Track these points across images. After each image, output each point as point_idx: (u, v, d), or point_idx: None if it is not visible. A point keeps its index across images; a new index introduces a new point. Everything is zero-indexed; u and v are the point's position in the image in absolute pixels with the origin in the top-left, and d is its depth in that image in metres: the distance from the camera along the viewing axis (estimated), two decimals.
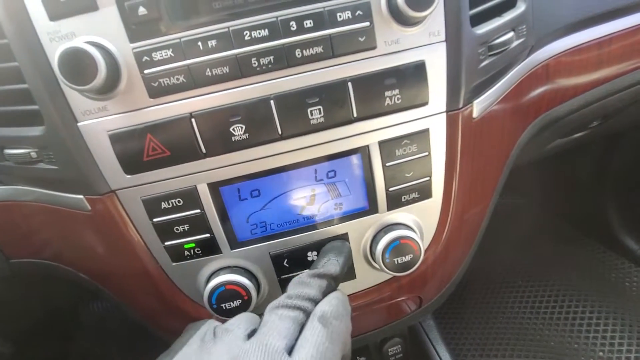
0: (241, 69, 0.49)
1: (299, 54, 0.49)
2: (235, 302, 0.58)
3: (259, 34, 0.48)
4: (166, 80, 0.48)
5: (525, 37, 0.63)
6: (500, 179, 0.72)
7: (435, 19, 0.51)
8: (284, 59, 0.49)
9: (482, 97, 0.60)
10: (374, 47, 0.51)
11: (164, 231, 0.56)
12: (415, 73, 0.53)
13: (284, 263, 0.61)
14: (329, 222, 0.61)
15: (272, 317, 0.44)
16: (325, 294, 0.49)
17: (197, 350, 0.44)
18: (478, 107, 0.60)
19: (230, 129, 0.51)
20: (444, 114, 0.57)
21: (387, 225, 0.61)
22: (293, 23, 0.48)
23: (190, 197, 0.55)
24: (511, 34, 0.60)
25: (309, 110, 0.52)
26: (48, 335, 1.26)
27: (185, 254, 0.58)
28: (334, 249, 0.59)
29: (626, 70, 0.73)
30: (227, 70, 0.49)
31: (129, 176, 0.53)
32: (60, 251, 0.65)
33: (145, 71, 0.48)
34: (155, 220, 0.55)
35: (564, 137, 0.98)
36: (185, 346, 0.45)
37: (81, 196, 0.55)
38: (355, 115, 0.53)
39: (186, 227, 0.56)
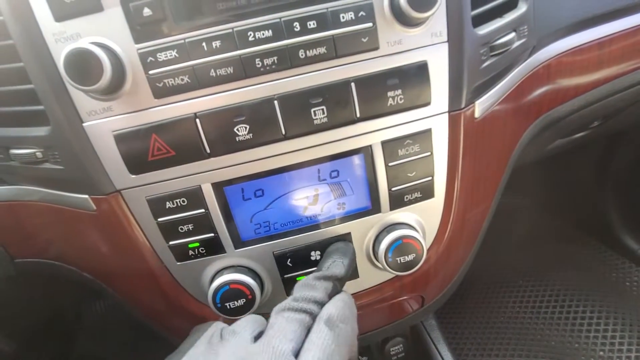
0: (245, 70, 0.49)
1: (302, 55, 0.49)
2: (239, 301, 0.58)
3: (263, 34, 0.48)
4: (171, 80, 0.48)
5: (527, 38, 0.64)
6: (501, 179, 0.72)
7: (437, 19, 0.52)
8: (288, 60, 0.49)
9: (483, 98, 0.61)
10: (376, 48, 0.51)
11: (169, 231, 0.57)
12: (417, 73, 0.53)
13: (288, 262, 0.62)
14: (331, 222, 0.61)
15: (279, 320, 0.44)
16: (330, 296, 0.49)
17: (204, 351, 0.44)
18: (480, 107, 0.60)
19: (235, 129, 0.51)
20: (446, 114, 0.57)
21: (390, 225, 0.61)
22: (296, 24, 0.48)
23: (194, 197, 0.55)
24: (513, 34, 0.60)
25: (312, 110, 0.52)
26: (50, 335, 1.26)
27: (190, 254, 0.58)
28: (338, 251, 0.59)
29: (626, 71, 0.74)
30: (231, 71, 0.49)
31: (133, 176, 0.53)
32: (64, 251, 0.66)
33: (150, 72, 0.48)
34: (159, 219, 0.56)
35: (565, 137, 0.99)
36: (193, 348, 0.45)
37: (86, 196, 0.56)
38: (358, 115, 0.53)
39: (190, 226, 0.56)
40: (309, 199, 0.59)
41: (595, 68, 0.72)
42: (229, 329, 0.46)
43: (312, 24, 0.49)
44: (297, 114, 0.52)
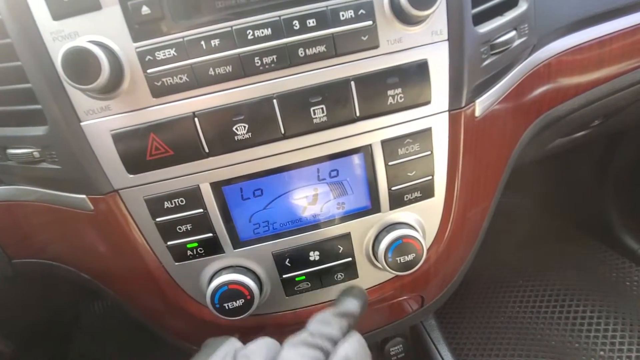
0: (244, 68, 0.49)
1: (301, 53, 0.49)
2: (237, 301, 0.58)
3: (262, 33, 0.48)
4: (169, 79, 0.48)
5: (527, 36, 0.63)
6: (502, 178, 0.72)
7: (437, 18, 0.51)
8: (287, 58, 0.49)
9: (484, 96, 0.60)
10: (376, 46, 0.51)
11: (167, 231, 0.56)
12: (417, 72, 0.53)
13: (286, 262, 0.61)
14: (331, 222, 0.61)
15: (292, 354, 0.44)
16: (344, 334, 0.50)
17: None
18: (480, 106, 0.60)
19: (233, 128, 0.51)
20: (446, 113, 0.57)
21: (390, 225, 0.61)
22: (296, 22, 0.48)
23: (193, 197, 0.55)
24: (513, 33, 0.60)
25: (311, 109, 0.52)
26: (48, 335, 1.26)
27: (188, 254, 0.58)
28: (352, 292, 0.60)
29: (627, 70, 0.73)
30: (230, 70, 0.49)
31: (131, 176, 0.53)
32: (62, 251, 0.65)
33: (149, 70, 0.48)
34: (158, 219, 0.55)
35: (565, 136, 0.98)
36: None
37: (84, 196, 0.55)
38: (357, 114, 0.53)
39: (189, 226, 0.56)
40: (308, 199, 0.59)
41: (595, 67, 0.72)
42: (243, 352, 0.46)
43: (311, 22, 0.48)
44: (296, 113, 0.52)
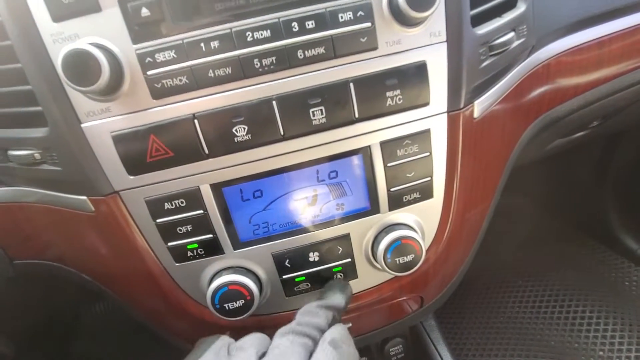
0: (243, 70, 0.49)
1: (301, 55, 0.49)
2: (238, 302, 0.58)
3: (261, 35, 0.48)
4: (169, 81, 0.48)
5: (526, 37, 0.63)
6: (501, 179, 0.72)
7: (436, 19, 0.52)
8: (286, 60, 0.49)
9: (482, 97, 0.60)
10: (375, 48, 0.51)
11: (167, 232, 0.57)
12: (416, 73, 0.53)
13: (286, 263, 0.61)
14: (330, 223, 0.61)
15: (283, 341, 0.46)
16: (330, 325, 0.51)
17: None
18: (479, 107, 0.60)
19: (233, 130, 0.51)
20: (445, 115, 0.57)
21: (389, 226, 0.61)
22: (295, 24, 0.48)
23: (193, 198, 0.55)
24: (512, 34, 0.60)
25: (311, 111, 0.52)
26: (49, 336, 1.26)
27: (188, 255, 0.58)
28: (337, 285, 0.61)
29: (626, 70, 0.74)
30: (230, 71, 0.49)
31: (132, 177, 0.53)
32: (63, 252, 0.65)
33: (148, 72, 0.48)
34: (158, 221, 0.56)
35: (565, 137, 0.98)
36: (201, 359, 0.46)
37: (84, 197, 0.56)
38: (357, 115, 0.53)
39: (189, 227, 0.56)
40: (308, 200, 0.59)
41: (594, 67, 0.72)
42: (236, 344, 0.48)
43: (310, 24, 0.48)
44: (295, 114, 0.52)
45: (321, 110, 0.52)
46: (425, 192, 0.61)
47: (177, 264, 0.59)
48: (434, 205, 0.63)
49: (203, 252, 0.58)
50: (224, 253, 0.59)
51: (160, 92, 0.49)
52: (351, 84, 0.52)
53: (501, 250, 1.44)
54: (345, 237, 0.62)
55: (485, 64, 0.58)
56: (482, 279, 1.39)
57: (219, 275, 0.59)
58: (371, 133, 0.55)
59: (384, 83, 0.52)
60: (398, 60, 0.52)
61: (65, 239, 0.63)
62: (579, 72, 0.71)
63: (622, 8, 0.70)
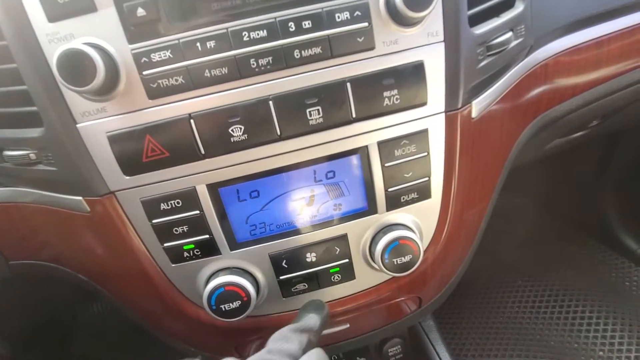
0: (240, 70, 0.49)
1: (297, 55, 0.49)
2: (234, 303, 0.57)
3: (258, 34, 0.48)
4: (165, 81, 0.48)
5: (524, 37, 0.63)
6: (499, 179, 0.72)
7: (433, 19, 0.51)
8: (283, 60, 0.49)
9: (480, 97, 0.60)
10: (372, 48, 0.51)
11: (163, 232, 0.56)
12: (413, 73, 0.53)
13: (283, 264, 0.61)
14: (328, 223, 0.61)
15: None
16: (305, 350, 0.49)
17: None
18: (477, 107, 0.60)
19: (229, 130, 0.51)
20: (443, 114, 0.57)
21: (387, 226, 0.61)
22: (291, 24, 0.48)
23: (189, 198, 0.55)
24: (509, 34, 0.60)
25: (307, 110, 0.52)
26: (47, 337, 1.26)
27: (185, 255, 0.58)
28: (312, 306, 0.59)
29: (625, 70, 0.73)
30: (226, 71, 0.49)
31: (128, 177, 0.53)
32: (59, 253, 0.65)
33: (144, 72, 0.48)
34: (154, 221, 0.55)
35: (563, 136, 0.98)
36: None
37: (80, 197, 0.55)
38: (354, 115, 0.53)
39: (185, 228, 0.56)
40: (305, 200, 0.59)
41: (593, 67, 0.72)
42: None
43: (307, 24, 0.48)
44: (292, 114, 0.52)
45: (318, 110, 0.52)
46: (423, 192, 0.61)
47: (173, 265, 0.59)
48: (432, 206, 0.63)
49: (199, 253, 0.58)
50: (220, 254, 0.59)
51: (156, 92, 0.49)
52: (348, 84, 0.51)
53: (500, 250, 1.44)
54: (343, 238, 0.61)
55: (483, 63, 0.58)
56: (481, 279, 1.39)
57: (216, 276, 0.59)
58: (368, 133, 0.55)
59: (381, 83, 0.52)
60: (395, 60, 0.52)
61: (61, 240, 0.63)
62: (577, 72, 0.71)
63: (620, 8, 0.70)
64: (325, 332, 0.72)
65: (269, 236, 0.60)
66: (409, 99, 0.54)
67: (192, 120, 0.50)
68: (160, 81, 0.48)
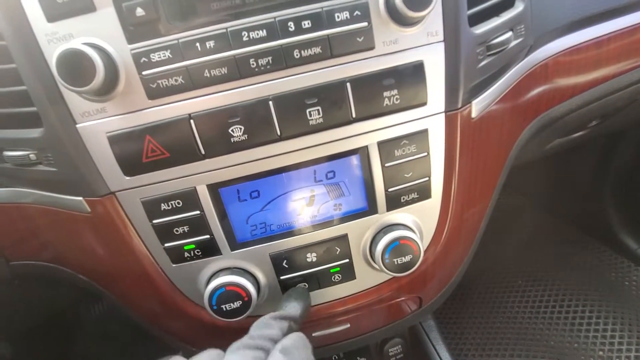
0: (239, 70, 0.49)
1: (297, 55, 0.49)
2: (235, 303, 0.58)
3: (257, 34, 0.48)
4: (165, 81, 0.48)
5: (524, 37, 0.63)
6: (499, 179, 0.72)
7: (433, 19, 0.51)
8: (283, 60, 0.49)
9: (480, 97, 0.60)
10: (372, 48, 0.51)
11: (164, 233, 0.56)
12: (413, 73, 0.53)
13: (284, 264, 0.61)
14: (328, 223, 0.61)
15: (234, 357, 0.45)
16: (286, 335, 0.50)
17: None
18: (477, 107, 0.60)
19: (229, 130, 0.51)
20: (443, 114, 0.57)
21: (387, 226, 0.61)
22: (291, 23, 0.48)
23: (189, 199, 0.55)
24: (509, 33, 0.60)
25: (307, 110, 0.52)
26: (49, 337, 1.26)
27: (185, 256, 0.58)
28: (295, 294, 0.60)
29: (624, 70, 0.73)
30: (226, 71, 0.49)
31: (128, 178, 0.53)
32: (60, 253, 0.65)
33: (144, 72, 0.48)
34: (154, 221, 0.55)
35: (563, 136, 0.98)
36: None
37: (80, 198, 0.55)
38: (354, 115, 0.53)
39: (186, 228, 0.56)
40: (306, 200, 0.59)
41: (592, 67, 0.72)
42: None
43: (306, 24, 0.48)
44: (292, 114, 0.52)
45: (318, 110, 0.52)
46: (423, 193, 0.61)
47: (174, 265, 0.59)
48: (432, 206, 0.63)
49: (200, 253, 0.58)
50: (221, 254, 0.59)
51: (155, 92, 0.49)
52: (348, 84, 0.51)
53: (501, 250, 1.44)
54: (343, 238, 0.61)
55: (482, 63, 0.58)
56: (481, 279, 1.39)
57: (216, 276, 0.59)
58: (368, 133, 0.55)
59: (381, 83, 0.52)
60: (395, 60, 0.52)
61: (61, 240, 0.63)
62: (577, 72, 0.71)
63: (619, 8, 0.70)
64: (326, 332, 0.73)
65: (269, 236, 0.60)
66: (408, 99, 0.54)
67: (192, 121, 0.50)
68: (159, 81, 0.48)
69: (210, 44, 0.47)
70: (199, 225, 0.56)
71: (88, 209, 0.56)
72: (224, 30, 0.47)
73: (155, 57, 0.47)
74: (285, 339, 0.48)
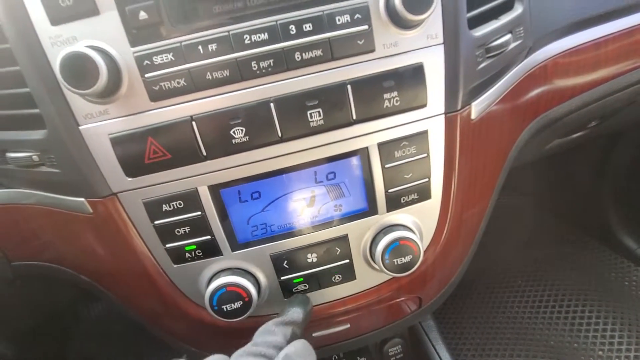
0: (241, 72, 0.49)
1: (298, 57, 0.50)
2: (236, 303, 0.58)
3: (259, 37, 0.48)
4: (167, 83, 0.49)
5: (523, 39, 0.64)
6: (499, 179, 0.72)
7: (433, 21, 0.52)
8: (284, 62, 0.50)
9: (480, 99, 0.61)
10: (372, 50, 0.51)
11: (165, 233, 0.57)
12: (413, 75, 0.53)
13: (284, 264, 0.62)
14: (328, 224, 0.61)
15: None
16: (289, 341, 0.51)
17: None
18: (476, 108, 0.60)
19: (231, 132, 0.51)
20: (443, 116, 0.57)
21: (387, 227, 0.61)
22: (292, 27, 0.48)
23: (191, 200, 0.55)
24: (509, 35, 0.60)
25: (308, 112, 0.52)
26: (49, 337, 1.26)
27: (187, 256, 0.58)
28: (297, 300, 0.61)
29: (623, 71, 0.74)
30: (228, 74, 0.49)
31: (130, 179, 0.53)
32: (61, 254, 0.66)
33: (146, 75, 0.48)
34: (156, 222, 0.56)
35: (563, 137, 0.99)
36: None
37: (82, 199, 0.56)
38: (354, 117, 0.53)
39: (187, 229, 0.56)
40: (306, 201, 0.59)
41: (591, 69, 0.72)
42: None
43: (308, 27, 0.49)
44: (293, 116, 0.52)
45: (319, 112, 0.52)
46: (423, 193, 0.61)
47: (175, 266, 0.59)
48: (432, 206, 0.63)
49: (201, 254, 0.58)
50: (222, 254, 0.59)
51: (158, 94, 0.49)
52: (348, 86, 0.52)
53: (501, 250, 1.44)
54: (344, 238, 0.62)
55: (482, 65, 0.59)
56: (481, 279, 1.39)
57: (217, 276, 0.59)
58: (369, 134, 0.56)
59: (382, 85, 0.53)
60: (395, 62, 0.52)
61: (63, 241, 0.63)
62: (576, 73, 0.71)
63: (618, 9, 0.70)
64: (326, 332, 0.73)
65: (270, 237, 0.60)
66: (408, 100, 0.54)
67: (193, 123, 0.51)
68: (162, 84, 0.49)
69: (212, 46, 0.48)
70: (200, 226, 0.57)
71: (90, 210, 0.56)
72: (226, 33, 0.48)
73: (157, 59, 0.47)
74: (288, 347, 0.48)
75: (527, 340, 1.17)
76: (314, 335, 0.73)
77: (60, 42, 0.46)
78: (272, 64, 0.49)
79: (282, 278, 0.62)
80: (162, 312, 0.66)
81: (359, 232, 0.62)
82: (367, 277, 0.66)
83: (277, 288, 0.63)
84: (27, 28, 0.46)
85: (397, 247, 0.59)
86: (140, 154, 0.51)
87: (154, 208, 0.55)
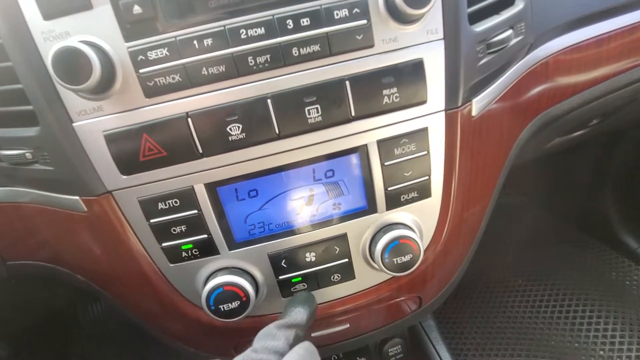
0: (237, 68, 0.48)
1: (295, 53, 0.49)
2: (233, 303, 0.57)
3: (255, 32, 0.47)
4: (162, 79, 0.48)
5: (524, 35, 0.63)
6: (499, 178, 0.72)
7: (433, 16, 0.51)
8: (281, 58, 0.49)
9: (481, 96, 0.60)
10: (371, 45, 0.50)
11: (161, 232, 0.56)
12: (413, 71, 0.53)
13: (282, 264, 0.61)
14: (327, 222, 0.60)
15: None
16: (292, 345, 0.49)
17: None
18: (477, 105, 0.59)
19: (227, 129, 0.51)
20: (443, 113, 0.57)
21: (386, 225, 0.61)
22: (290, 21, 0.48)
23: (187, 198, 0.54)
24: (510, 31, 0.60)
25: (306, 109, 0.51)
26: (47, 337, 1.25)
27: (183, 255, 0.58)
28: (299, 299, 0.59)
29: (625, 68, 0.73)
30: (223, 69, 0.48)
31: (125, 177, 0.52)
32: (57, 253, 0.65)
33: (141, 70, 0.47)
34: (152, 221, 0.55)
35: (564, 135, 0.98)
36: None
37: (77, 197, 0.55)
38: (353, 114, 0.53)
39: (183, 228, 0.56)
40: (304, 199, 0.58)
41: (593, 66, 0.71)
42: None
43: (305, 21, 0.48)
44: (291, 112, 0.51)
45: (317, 108, 0.51)
46: (423, 191, 0.60)
47: (171, 265, 0.59)
48: (432, 205, 0.62)
49: (198, 253, 0.58)
50: (219, 253, 0.58)
51: (153, 90, 0.48)
52: (347, 82, 0.51)
53: (501, 249, 1.44)
54: (342, 237, 0.61)
55: (483, 61, 0.58)
56: (481, 278, 1.39)
57: (214, 276, 0.58)
58: (368, 132, 0.55)
59: (381, 81, 0.52)
60: (394, 58, 0.52)
61: (58, 240, 0.62)
62: (577, 70, 0.70)
63: (620, 6, 0.69)
64: (325, 332, 0.72)
65: (267, 236, 0.59)
66: (408, 97, 0.54)
67: (189, 119, 0.50)
68: (157, 79, 0.48)
69: (207, 41, 0.47)
70: (197, 224, 0.56)
71: (84, 208, 0.55)
72: (222, 28, 0.47)
73: (152, 55, 0.47)
74: (290, 354, 0.47)
75: (527, 340, 1.17)
76: (313, 335, 0.72)
77: (52, 37, 0.46)
78: (269, 59, 0.48)
79: (280, 277, 0.62)
80: (159, 312, 0.65)
81: (358, 230, 0.61)
82: (367, 277, 0.66)
83: (275, 287, 0.63)
84: (19, 23, 0.45)
85: (397, 246, 0.59)
86: (135, 151, 0.50)
87: (149, 206, 0.54)
